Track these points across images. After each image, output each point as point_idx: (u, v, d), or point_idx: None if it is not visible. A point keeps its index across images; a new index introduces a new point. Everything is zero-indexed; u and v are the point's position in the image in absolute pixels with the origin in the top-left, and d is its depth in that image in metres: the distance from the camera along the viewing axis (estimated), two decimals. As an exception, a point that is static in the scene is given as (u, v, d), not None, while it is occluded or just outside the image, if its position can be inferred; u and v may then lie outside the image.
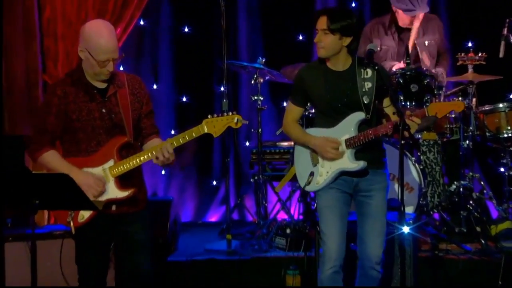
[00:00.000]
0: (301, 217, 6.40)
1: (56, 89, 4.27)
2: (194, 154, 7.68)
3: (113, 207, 4.28)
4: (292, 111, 4.52)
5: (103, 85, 4.30)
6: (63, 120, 4.25)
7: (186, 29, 7.66)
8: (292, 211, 6.61)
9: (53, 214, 6.25)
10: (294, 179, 6.15)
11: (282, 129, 6.41)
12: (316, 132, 4.46)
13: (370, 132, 4.31)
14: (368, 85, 4.33)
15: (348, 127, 4.37)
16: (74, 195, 3.86)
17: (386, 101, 4.43)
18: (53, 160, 4.25)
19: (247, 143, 7.68)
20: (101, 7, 6.63)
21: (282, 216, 6.64)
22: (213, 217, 7.69)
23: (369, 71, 4.35)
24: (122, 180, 4.27)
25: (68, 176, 3.81)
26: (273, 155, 6.97)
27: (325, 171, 4.41)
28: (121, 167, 4.25)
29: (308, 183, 4.43)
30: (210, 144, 7.63)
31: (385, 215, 4.45)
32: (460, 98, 6.09)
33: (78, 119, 4.24)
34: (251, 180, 6.83)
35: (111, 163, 4.25)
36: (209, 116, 4.26)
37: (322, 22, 4.32)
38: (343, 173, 4.41)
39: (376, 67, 4.32)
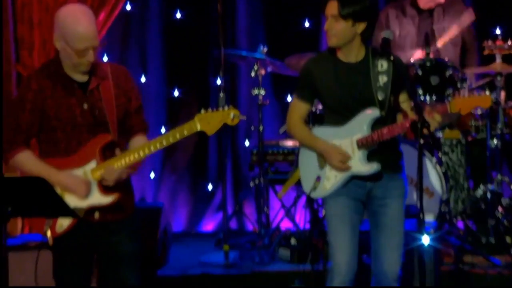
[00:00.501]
0: (307, 225, 6.39)
1: (31, 82, 4.25)
2: (187, 154, 7.66)
3: (96, 215, 4.26)
4: (298, 108, 4.47)
5: (84, 78, 4.27)
6: (39, 117, 4.23)
7: (178, 15, 7.65)
8: (297, 219, 6.61)
9: (28, 222, 6.25)
10: (300, 183, 6.16)
11: (285, 128, 6.45)
12: (323, 131, 4.43)
13: (385, 131, 4.28)
14: (383, 79, 4.30)
15: (360, 125, 4.34)
16: (52, 201, 3.85)
17: (403, 96, 4.40)
18: (28, 161, 4.23)
19: (247, 143, 7.67)
20: (83, -12, 6.61)
21: (286, 224, 6.64)
22: (208, 226, 7.67)
23: (385, 63, 4.31)
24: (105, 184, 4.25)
25: (45, 180, 3.79)
26: (276, 156, 6.96)
27: (334, 175, 4.38)
28: (105, 168, 4.22)
29: (314, 188, 4.41)
30: (205, 143, 7.62)
31: (402, 225, 4.41)
32: (487, 92, 6.08)
33: (57, 117, 4.22)
34: (251, 184, 6.82)
35: (93, 164, 4.23)
36: (202, 111, 4.24)
37: (332, 7, 4.28)
38: (354, 177, 4.38)
39: (392, 58, 4.29)
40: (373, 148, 4.34)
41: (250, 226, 7.35)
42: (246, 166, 7.33)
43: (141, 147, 4.24)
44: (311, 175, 4.45)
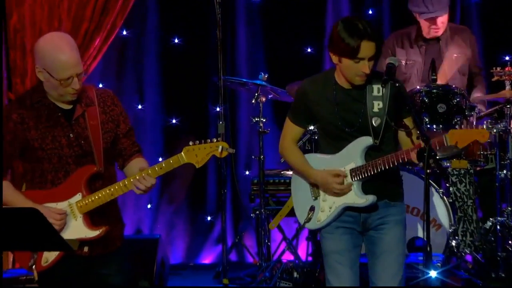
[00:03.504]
0: (309, 258, 6.36)
1: (11, 113, 4.24)
2: (185, 184, 7.64)
3: (85, 249, 4.24)
4: (291, 130, 4.43)
5: (68, 106, 4.27)
6: (19, 148, 4.22)
7: (176, 40, 7.67)
8: (299, 252, 6.56)
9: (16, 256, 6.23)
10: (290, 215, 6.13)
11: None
12: (315, 160, 4.37)
13: (380, 161, 4.22)
14: (379, 105, 4.26)
15: (353, 154, 4.28)
16: (45, 234, 3.80)
17: (406, 122, 4.35)
18: (5, 192, 4.19)
19: (247, 172, 7.65)
20: (77, 13, 6.64)
21: (288, 257, 6.60)
22: (207, 259, 7.64)
23: (381, 88, 4.26)
24: (92, 217, 4.24)
25: (38, 211, 3.76)
26: (277, 186, 6.94)
27: (328, 207, 4.33)
28: (90, 201, 4.21)
29: (308, 219, 4.34)
30: (203, 174, 7.60)
31: (401, 253, 4.32)
32: (484, 126, 6.06)
33: (42, 148, 4.21)
34: (251, 215, 6.80)
35: (78, 197, 4.22)
36: (190, 143, 4.26)
37: (372, 48, 4.17)
38: (348, 208, 4.31)
39: (389, 82, 4.24)
40: (368, 179, 4.27)
41: (250, 259, 7.31)
42: (246, 196, 7.30)
43: (128, 178, 4.22)
44: (304, 206, 4.39)
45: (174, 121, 7.65)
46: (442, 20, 6.55)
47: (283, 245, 6.71)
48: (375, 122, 4.25)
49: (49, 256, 4.19)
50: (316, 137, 6.26)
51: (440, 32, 6.57)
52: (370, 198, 4.26)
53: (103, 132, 4.26)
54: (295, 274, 6.13)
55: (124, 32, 7.53)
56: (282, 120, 7.45)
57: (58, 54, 4.13)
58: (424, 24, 6.57)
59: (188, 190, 7.69)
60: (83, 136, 4.24)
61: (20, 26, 6.61)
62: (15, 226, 3.76)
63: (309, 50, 7.65)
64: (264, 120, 6.61)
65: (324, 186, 4.32)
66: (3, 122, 4.25)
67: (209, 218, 7.69)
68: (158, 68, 7.64)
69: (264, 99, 6.60)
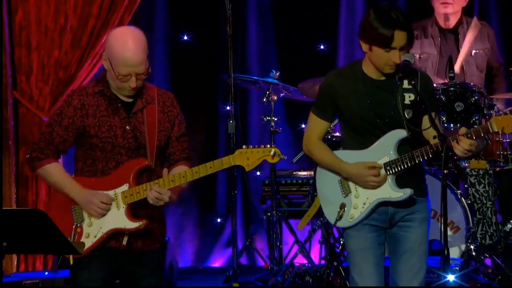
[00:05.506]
0: (323, 261, 6.36)
1: (73, 98, 4.39)
2: (194, 185, 7.65)
3: (124, 240, 4.33)
4: (317, 126, 4.41)
5: (130, 99, 4.41)
6: (75, 134, 4.37)
7: (185, 37, 7.69)
8: (312, 255, 6.57)
9: (24, 259, 6.25)
10: (316, 214, 6.14)
11: (301, 154, 6.43)
12: (345, 156, 4.36)
13: (417, 153, 4.23)
14: (410, 97, 4.29)
15: (386, 148, 4.29)
16: (50, 236, 3.83)
17: (425, 122, 4.37)
18: (55, 173, 4.37)
19: (258, 173, 7.65)
20: (84, 10, 6.66)
21: (300, 260, 6.61)
22: (217, 262, 7.66)
23: (412, 81, 4.25)
24: (136, 209, 4.34)
25: (43, 213, 3.79)
26: (289, 186, 6.95)
27: (361, 203, 4.32)
28: (136, 193, 4.32)
29: (339, 217, 4.33)
30: (213, 174, 7.58)
31: (425, 253, 4.34)
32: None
33: (97, 135, 4.34)
34: (263, 217, 6.81)
35: (125, 187, 4.34)
36: (243, 147, 4.38)
37: (404, 38, 4.21)
38: (380, 204, 4.32)
39: (419, 74, 4.27)
40: (403, 172, 4.27)
41: (261, 262, 7.32)
42: (257, 197, 7.31)
43: (176, 176, 4.33)
44: (334, 203, 4.37)
45: (182, 120, 7.67)
46: None
47: (295, 248, 6.71)
48: (407, 114, 4.27)
49: (86, 242, 4.28)
50: (329, 136, 6.27)
51: (449, 9, 6.55)
52: (408, 192, 4.26)
53: (159, 131, 4.40)
54: (308, 278, 6.14)
55: (132, 29, 7.55)
56: (294, 119, 7.56)
57: (123, 50, 4.27)
58: (441, 10, 6.55)
59: (197, 191, 7.70)
60: (139, 129, 4.37)
61: (25, 23, 6.63)
62: (19, 228, 3.79)
63: (322, 46, 7.65)
64: (275, 119, 6.62)
65: (359, 179, 4.31)
66: (63, 106, 4.39)
67: (219, 220, 7.70)
68: (166, 65, 7.65)
69: (275, 98, 6.62)
